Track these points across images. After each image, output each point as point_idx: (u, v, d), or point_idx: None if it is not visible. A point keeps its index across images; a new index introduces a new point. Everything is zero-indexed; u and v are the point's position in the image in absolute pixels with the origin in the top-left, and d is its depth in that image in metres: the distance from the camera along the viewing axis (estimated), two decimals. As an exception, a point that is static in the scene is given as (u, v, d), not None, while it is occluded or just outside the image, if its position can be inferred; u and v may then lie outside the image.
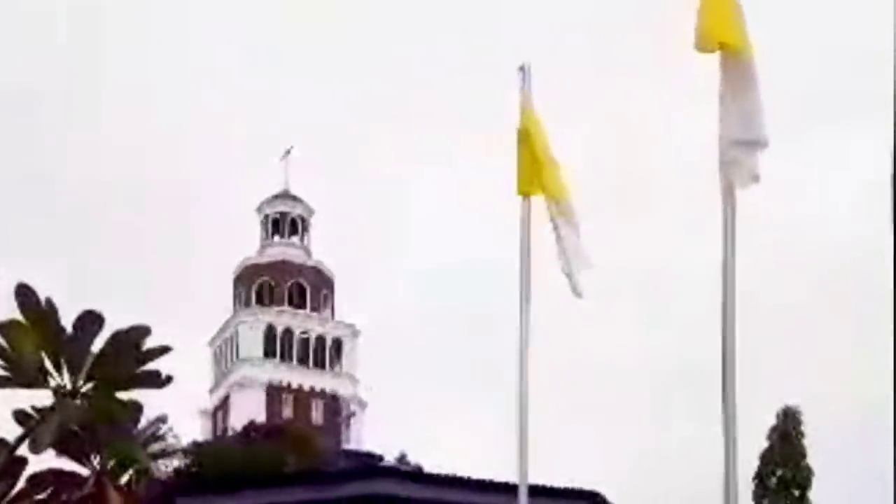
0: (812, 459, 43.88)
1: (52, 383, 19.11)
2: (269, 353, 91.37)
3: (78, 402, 19.06)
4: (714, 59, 10.43)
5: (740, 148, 10.20)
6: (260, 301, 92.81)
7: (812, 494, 43.78)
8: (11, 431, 20.22)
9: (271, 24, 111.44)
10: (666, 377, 76.97)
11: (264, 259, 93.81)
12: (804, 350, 75.10)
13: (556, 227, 12.88)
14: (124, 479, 23.23)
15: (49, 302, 18.73)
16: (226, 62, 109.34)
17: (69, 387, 19.07)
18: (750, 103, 10.24)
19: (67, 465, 21.78)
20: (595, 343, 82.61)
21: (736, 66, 10.30)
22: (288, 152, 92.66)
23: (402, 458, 61.46)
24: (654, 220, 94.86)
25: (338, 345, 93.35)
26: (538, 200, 13.07)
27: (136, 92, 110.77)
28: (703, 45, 10.39)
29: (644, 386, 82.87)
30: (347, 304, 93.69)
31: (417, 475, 32.13)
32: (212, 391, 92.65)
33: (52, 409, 19.09)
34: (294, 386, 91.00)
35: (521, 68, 13.41)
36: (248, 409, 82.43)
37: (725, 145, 10.26)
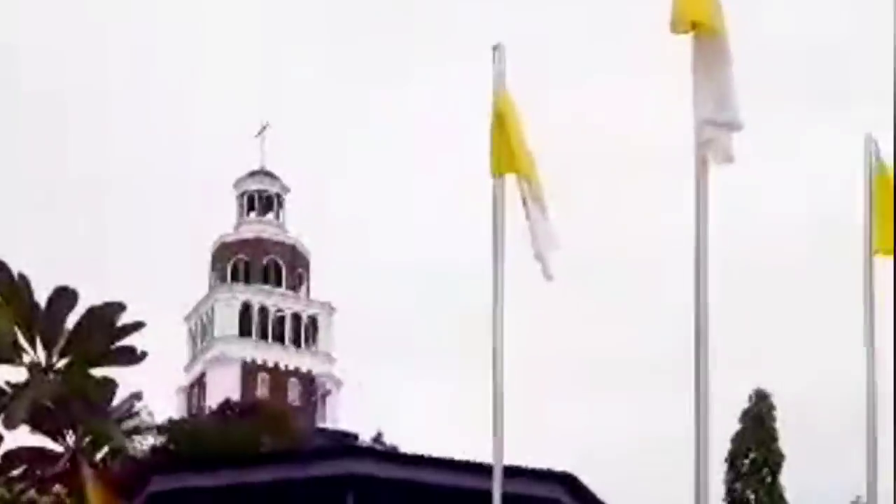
0: (783, 443, 44.04)
1: (27, 359, 19.04)
2: (244, 330, 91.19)
3: (52, 377, 19.00)
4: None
5: (715, 127, 10.25)
6: (236, 278, 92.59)
7: (783, 478, 43.92)
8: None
9: (255, 5, 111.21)
10: (651, 364, 77.09)
11: (240, 236, 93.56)
12: (778, 334, 75.42)
13: (527, 209, 12.89)
14: (98, 456, 23.15)
15: (22, 277, 18.65)
16: (210, 42, 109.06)
17: (43, 362, 19.01)
18: (724, 84, 10.29)
19: (41, 442, 21.72)
20: (579, 330, 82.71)
21: (709, 45, 10.35)
22: (264, 129, 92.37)
23: (377, 438, 61.55)
24: (639, 206, 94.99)
25: (313, 323, 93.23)
26: (511, 180, 13.05)
27: (102, 63, 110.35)
28: (676, 26, 10.44)
29: (628, 373, 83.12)
30: (323, 283, 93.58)
31: (394, 455, 32.10)
32: (187, 369, 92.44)
33: (26, 384, 19.03)
34: (270, 364, 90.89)
35: (495, 48, 13.18)
36: (224, 387, 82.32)
37: (700, 124, 10.31)
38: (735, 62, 10.40)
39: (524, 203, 12.84)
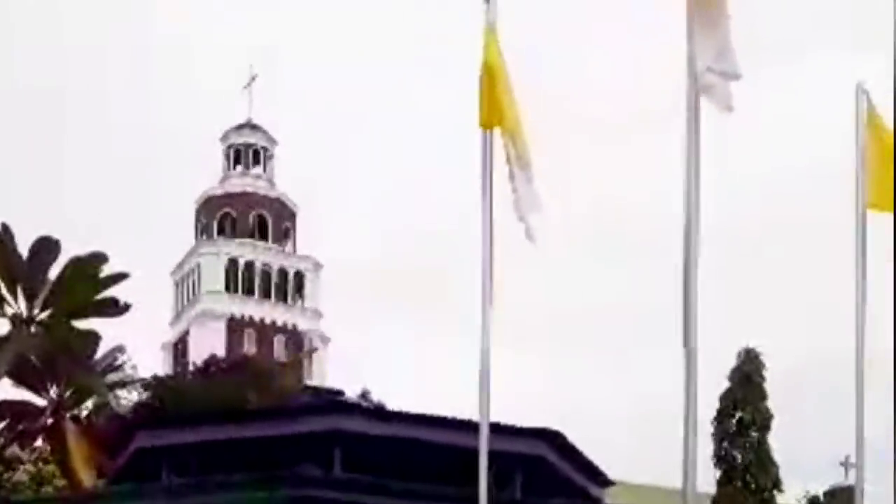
0: (772, 402, 43.96)
1: (9, 311, 18.88)
2: (230, 286, 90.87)
3: (34, 330, 18.83)
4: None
5: (715, 75, 10.05)
6: (222, 232, 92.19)
7: (771, 437, 43.88)
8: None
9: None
10: (642, 323, 77.06)
11: (226, 190, 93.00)
12: (765, 293, 75.48)
13: (511, 171, 12.79)
14: (83, 413, 23.05)
15: (5, 227, 18.46)
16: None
17: (25, 314, 18.85)
18: (722, 34, 10.11)
19: (24, 395, 21.56)
20: (567, 286, 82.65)
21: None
22: (252, 81, 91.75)
23: (364, 395, 61.48)
24: (634, 160, 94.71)
25: (300, 279, 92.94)
26: (498, 134, 12.91)
27: (96, 16, 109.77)
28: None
29: (619, 332, 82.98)
30: (310, 238, 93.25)
31: (381, 412, 32.04)
32: (172, 324, 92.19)
33: (8, 337, 18.87)
34: (256, 320, 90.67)
35: (487, -1, 13.04)
36: (209, 343, 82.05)
37: (699, 70, 10.08)
38: (732, 15, 10.23)
39: (509, 165, 12.74)
